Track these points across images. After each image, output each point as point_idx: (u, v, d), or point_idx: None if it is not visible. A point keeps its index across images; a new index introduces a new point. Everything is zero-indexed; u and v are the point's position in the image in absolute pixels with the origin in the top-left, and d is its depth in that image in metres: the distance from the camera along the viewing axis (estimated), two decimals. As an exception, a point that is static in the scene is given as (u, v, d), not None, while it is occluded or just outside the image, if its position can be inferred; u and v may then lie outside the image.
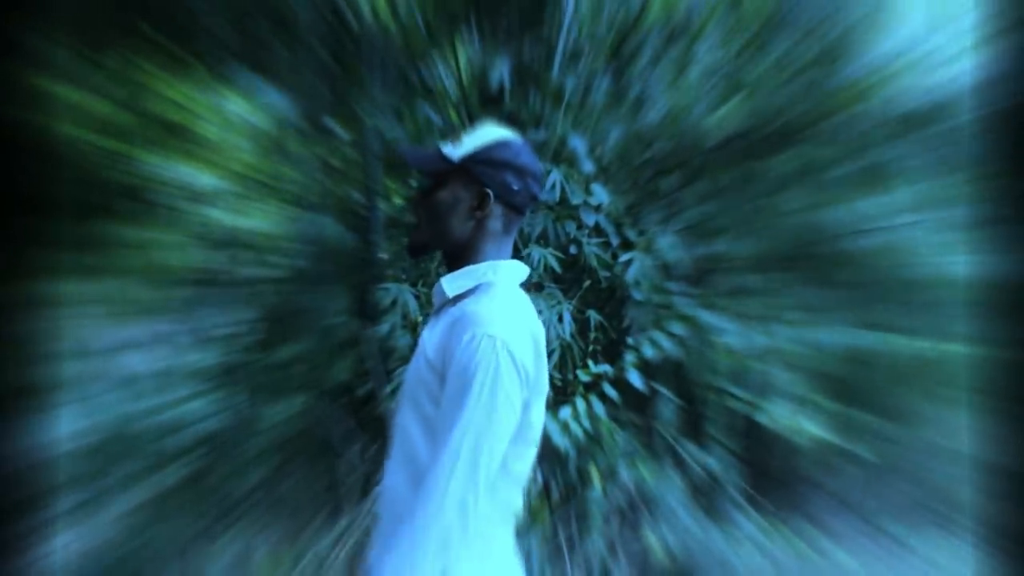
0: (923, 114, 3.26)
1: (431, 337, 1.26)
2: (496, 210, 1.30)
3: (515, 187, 1.28)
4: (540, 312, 2.85)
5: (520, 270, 1.34)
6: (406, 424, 1.27)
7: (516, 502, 1.31)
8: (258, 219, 3.59)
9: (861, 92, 3.26)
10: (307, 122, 3.30)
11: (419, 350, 1.28)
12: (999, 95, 2.62)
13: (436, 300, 1.33)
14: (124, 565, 2.79)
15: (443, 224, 1.30)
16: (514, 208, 1.31)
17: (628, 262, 3.05)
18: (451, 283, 1.29)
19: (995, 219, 2.66)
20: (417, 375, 1.26)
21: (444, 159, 1.30)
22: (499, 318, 1.19)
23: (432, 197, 1.31)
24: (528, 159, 1.30)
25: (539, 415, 1.31)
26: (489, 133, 1.31)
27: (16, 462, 2.49)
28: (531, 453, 1.32)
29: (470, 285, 1.28)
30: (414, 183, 3.28)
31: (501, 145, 1.29)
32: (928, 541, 3.27)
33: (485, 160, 1.28)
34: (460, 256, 1.31)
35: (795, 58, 3.21)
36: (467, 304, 1.25)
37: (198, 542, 2.91)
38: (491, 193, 1.27)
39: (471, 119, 3.13)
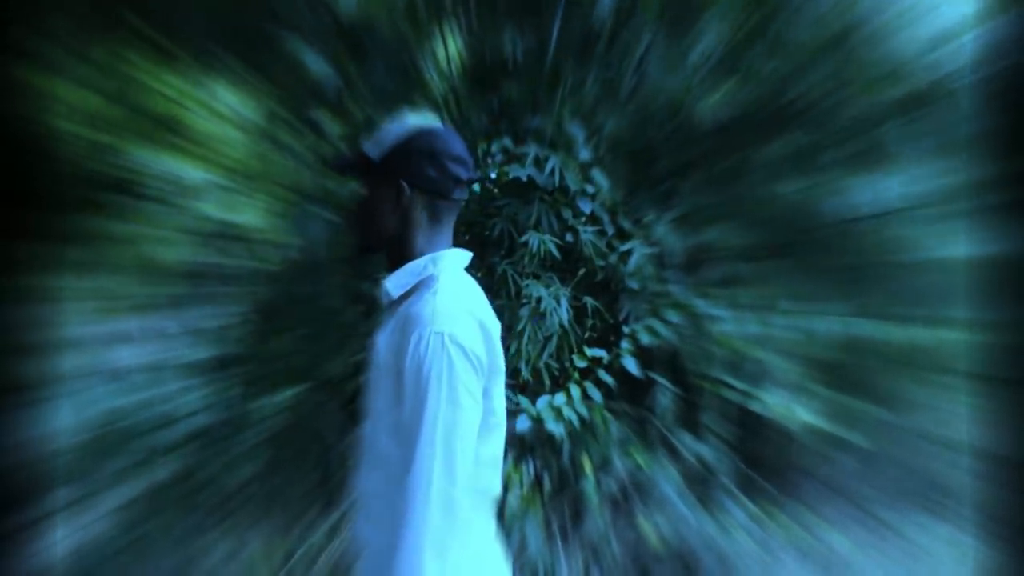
0: (917, 96, 3.25)
1: (383, 340, 1.25)
2: (416, 200, 1.28)
3: (431, 174, 1.26)
4: (540, 299, 2.85)
5: (462, 257, 1.33)
6: (372, 429, 1.27)
7: (493, 487, 1.31)
8: (248, 213, 3.57)
9: (858, 74, 3.25)
10: (297, 115, 3.28)
11: (375, 354, 1.27)
12: (994, 78, 2.63)
13: (383, 301, 1.31)
14: (117, 560, 2.77)
15: (373, 224, 1.29)
16: (437, 195, 1.28)
17: (627, 252, 3.04)
18: (393, 283, 1.28)
19: (988, 204, 2.67)
20: (376, 379, 1.25)
21: (363, 159, 1.29)
22: (443, 313, 1.18)
23: (364, 199, 1.31)
24: (446, 143, 1.28)
25: (500, 399, 1.32)
26: (404, 124, 1.29)
27: (7, 457, 2.48)
28: (499, 436, 1.32)
29: (412, 283, 1.27)
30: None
31: (416, 134, 1.27)
32: (921, 527, 3.27)
33: (399, 152, 1.27)
34: (397, 253, 1.30)
35: (792, 41, 3.19)
36: (412, 303, 1.24)
37: (191, 536, 2.89)
38: (404, 184, 1.26)
39: (460, 108, 3.12)
